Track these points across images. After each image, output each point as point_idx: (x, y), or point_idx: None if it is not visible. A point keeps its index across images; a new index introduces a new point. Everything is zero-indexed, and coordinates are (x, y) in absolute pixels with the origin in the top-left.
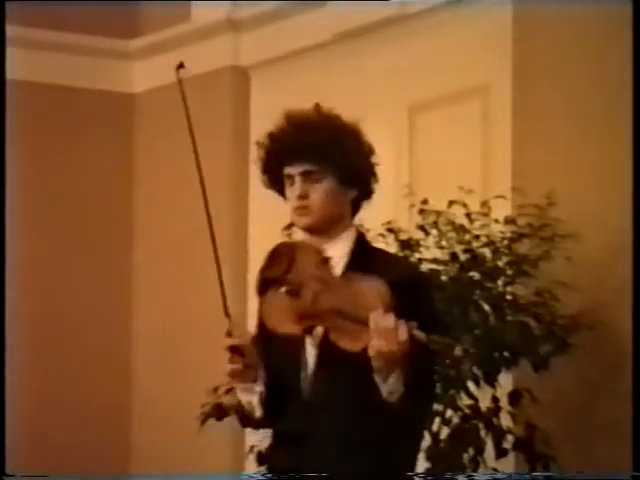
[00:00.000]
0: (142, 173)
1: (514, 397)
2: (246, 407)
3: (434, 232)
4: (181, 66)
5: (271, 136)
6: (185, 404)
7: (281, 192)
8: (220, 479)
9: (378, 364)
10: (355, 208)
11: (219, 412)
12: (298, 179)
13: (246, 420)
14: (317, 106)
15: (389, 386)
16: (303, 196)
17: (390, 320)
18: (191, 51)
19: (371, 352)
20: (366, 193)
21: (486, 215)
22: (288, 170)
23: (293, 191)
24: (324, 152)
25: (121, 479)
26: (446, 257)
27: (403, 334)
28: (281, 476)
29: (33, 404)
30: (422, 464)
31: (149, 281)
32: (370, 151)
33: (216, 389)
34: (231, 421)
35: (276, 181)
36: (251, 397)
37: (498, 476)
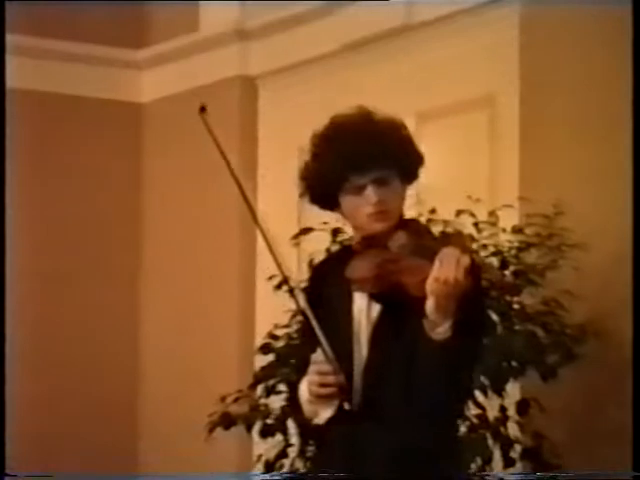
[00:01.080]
0: (150, 182)
1: (522, 407)
2: (307, 413)
3: None
4: (203, 109)
5: (330, 148)
6: (192, 413)
7: (328, 205)
8: None
9: (432, 303)
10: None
11: (227, 421)
12: (371, 186)
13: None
14: (360, 107)
15: (438, 334)
16: (381, 201)
17: (455, 251)
18: (199, 61)
19: (429, 285)
20: (413, 181)
21: (494, 224)
22: (357, 181)
23: (365, 198)
24: (390, 155)
25: (126, 479)
26: None
27: (465, 260)
28: (287, 476)
29: (39, 408)
30: None
31: (157, 287)
32: (416, 142)
33: (224, 398)
34: (239, 430)
35: (329, 193)
36: (329, 410)
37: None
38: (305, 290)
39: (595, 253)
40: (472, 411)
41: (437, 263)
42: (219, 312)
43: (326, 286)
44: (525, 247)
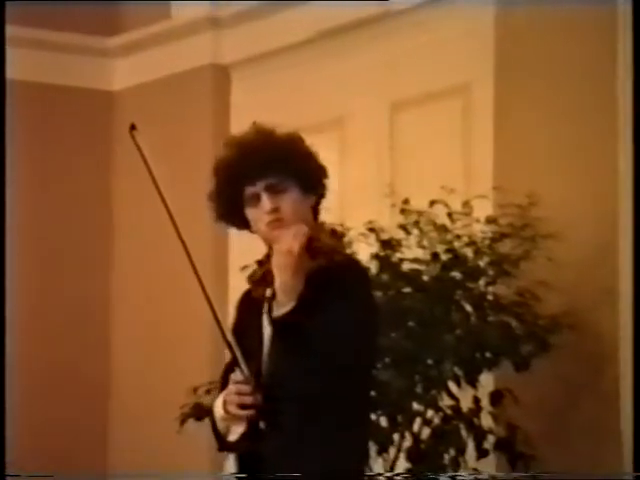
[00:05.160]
0: (121, 171)
1: (495, 397)
2: (221, 430)
3: (415, 232)
4: (133, 128)
5: (223, 165)
6: (164, 404)
7: (239, 222)
8: (199, 478)
9: (277, 281)
10: (315, 215)
11: (199, 412)
12: (264, 195)
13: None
14: (254, 124)
15: (280, 307)
16: (275, 209)
17: (296, 227)
18: (171, 49)
19: (273, 260)
20: (321, 197)
21: (468, 215)
22: (251, 190)
23: (261, 208)
24: (283, 163)
25: (125, 478)
26: (427, 257)
27: (301, 232)
28: (265, 476)
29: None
30: (403, 464)
31: (129, 278)
32: (317, 154)
33: (196, 389)
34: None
35: (235, 209)
36: (241, 427)
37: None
38: (234, 316)
39: (570, 244)
40: (446, 402)
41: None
42: (191, 303)
43: (246, 310)
44: (499, 238)
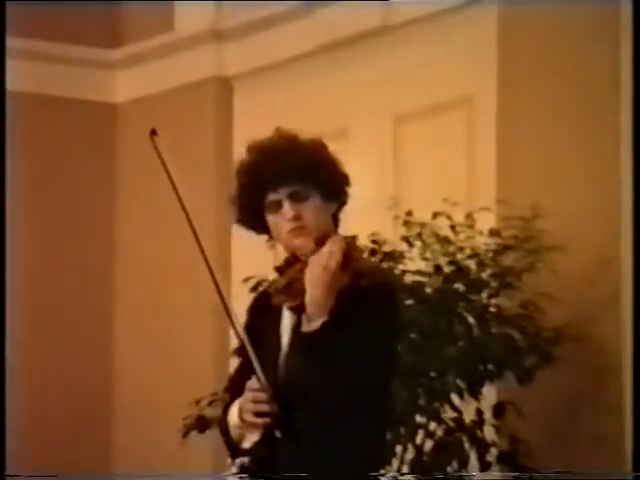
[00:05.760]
0: (124, 183)
1: (498, 410)
2: (234, 437)
3: (418, 244)
4: (154, 132)
5: (246, 169)
6: (167, 416)
7: (259, 227)
8: (203, 479)
9: (309, 295)
10: (335, 222)
11: (202, 424)
12: (286, 202)
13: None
14: (278, 129)
15: (309, 327)
16: (297, 216)
17: (333, 245)
18: (175, 61)
19: (307, 274)
20: (342, 204)
21: (471, 227)
22: (273, 197)
23: (283, 215)
24: (307, 170)
25: (128, 479)
26: (430, 269)
27: (338, 247)
28: (268, 476)
29: (24, 415)
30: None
31: (132, 289)
32: (339, 162)
33: (199, 401)
34: (214, 433)
35: (255, 214)
36: (255, 434)
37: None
38: (246, 320)
39: (573, 256)
40: (448, 414)
41: (310, 262)
42: (194, 315)
43: (261, 316)
44: (502, 250)
